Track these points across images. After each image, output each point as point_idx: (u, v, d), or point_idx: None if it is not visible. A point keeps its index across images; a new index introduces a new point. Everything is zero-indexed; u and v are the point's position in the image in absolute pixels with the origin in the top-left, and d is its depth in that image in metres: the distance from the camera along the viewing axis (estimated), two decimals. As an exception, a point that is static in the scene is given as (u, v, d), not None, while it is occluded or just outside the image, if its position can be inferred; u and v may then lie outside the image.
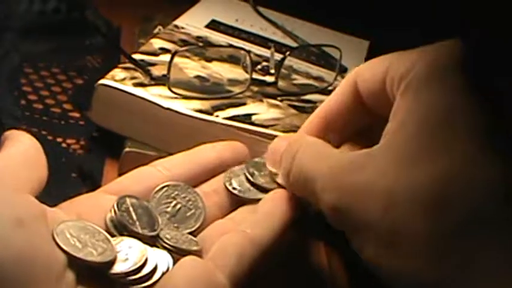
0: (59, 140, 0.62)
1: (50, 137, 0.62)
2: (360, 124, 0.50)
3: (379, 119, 0.46)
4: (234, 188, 0.50)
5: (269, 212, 0.47)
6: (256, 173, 0.51)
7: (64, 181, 0.56)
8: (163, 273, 0.41)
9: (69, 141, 0.62)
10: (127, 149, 0.58)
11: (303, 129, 0.52)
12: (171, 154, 0.54)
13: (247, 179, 0.51)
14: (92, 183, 0.56)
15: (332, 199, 0.42)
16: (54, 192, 0.45)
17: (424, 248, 0.37)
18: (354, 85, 0.48)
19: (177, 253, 0.43)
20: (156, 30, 0.75)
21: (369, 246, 0.40)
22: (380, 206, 0.39)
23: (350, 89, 0.49)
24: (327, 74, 0.72)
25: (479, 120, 0.39)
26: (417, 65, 0.42)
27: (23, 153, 0.43)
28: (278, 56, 0.68)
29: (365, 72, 0.48)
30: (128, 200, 0.45)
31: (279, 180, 0.49)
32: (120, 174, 0.56)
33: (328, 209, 0.42)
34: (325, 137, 0.50)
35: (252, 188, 0.50)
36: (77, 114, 0.65)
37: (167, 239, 0.44)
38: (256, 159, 0.53)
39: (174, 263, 0.42)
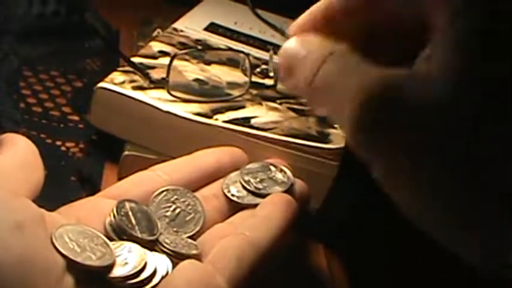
0: (58, 143, 0.62)
1: (49, 140, 0.62)
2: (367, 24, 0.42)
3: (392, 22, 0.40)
4: (232, 195, 0.50)
5: (268, 215, 0.47)
6: (252, 180, 0.51)
7: (63, 184, 0.56)
8: (162, 277, 0.41)
9: (68, 144, 0.62)
10: (126, 152, 0.57)
11: (301, 24, 0.45)
12: (170, 157, 0.54)
13: (243, 186, 0.51)
14: (91, 186, 0.56)
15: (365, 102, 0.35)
16: (53, 195, 0.45)
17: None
18: None
19: (176, 257, 0.43)
20: (155, 33, 0.75)
21: (400, 156, 0.34)
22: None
23: None
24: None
25: None
26: None
27: (19, 157, 0.43)
28: (277, 59, 0.68)
29: None
30: (127, 204, 0.45)
31: (288, 86, 0.43)
32: (119, 178, 0.56)
33: (354, 116, 0.36)
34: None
35: (249, 194, 0.50)
36: (76, 118, 0.65)
37: (166, 243, 0.44)
38: (250, 166, 0.53)
39: (173, 267, 0.42)
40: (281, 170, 0.53)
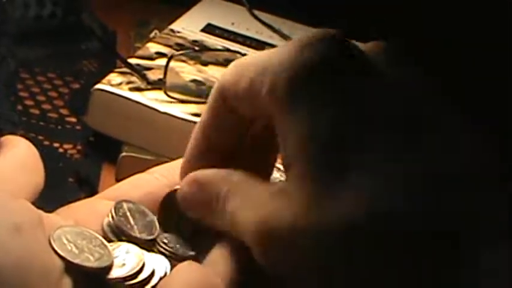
0: (56, 145, 0.62)
1: (46, 142, 0.62)
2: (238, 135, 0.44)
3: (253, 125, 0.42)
4: None
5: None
6: None
7: (61, 186, 0.56)
8: (160, 278, 0.41)
9: (66, 146, 0.62)
10: (124, 154, 0.58)
11: (187, 164, 0.46)
12: (168, 158, 0.54)
13: None
14: (89, 187, 0.57)
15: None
16: (51, 196, 0.45)
17: None
18: (221, 94, 0.42)
19: (175, 258, 0.43)
20: (152, 35, 0.75)
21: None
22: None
23: (218, 100, 0.42)
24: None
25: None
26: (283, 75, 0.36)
27: (19, 159, 0.43)
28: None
29: (229, 78, 0.41)
30: (125, 205, 0.45)
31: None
32: (117, 179, 0.57)
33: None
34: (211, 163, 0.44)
35: None
36: (73, 119, 0.65)
37: (164, 243, 0.44)
38: None
39: (172, 268, 0.42)
40: (278, 169, 0.53)
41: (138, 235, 0.43)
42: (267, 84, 0.36)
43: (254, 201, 0.39)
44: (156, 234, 0.44)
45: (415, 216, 0.33)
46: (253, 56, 0.40)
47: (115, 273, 0.40)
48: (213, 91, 0.42)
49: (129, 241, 0.43)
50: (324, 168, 0.34)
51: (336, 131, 0.34)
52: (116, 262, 0.40)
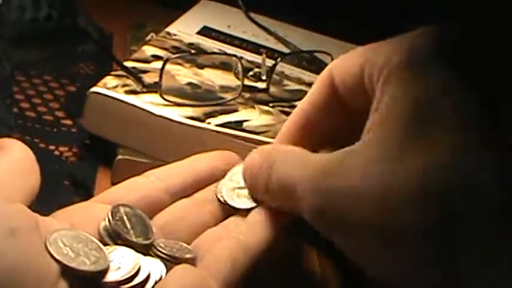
0: (52, 147, 0.62)
1: (42, 145, 0.62)
2: (339, 124, 0.49)
3: (358, 116, 0.44)
4: (225, 200, 0.50)
5: (261, 219, 0.47)
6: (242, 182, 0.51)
7: (57, 189, 0.56)
8: (156, 282, 0.41)
9: (61, 148, 0.62)
10: (119, 157, 0.58)
11: (280, 138, 0.51)
12: (163, 161, 0.54)
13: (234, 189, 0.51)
14: (85, 190, 0.57)
15: (314, 204, 0.41)
16: (46, 200, 0.45)
17: (422, 243, 0.36)
18: (330, 81, 0.47)
19: (171, 261, 0.43)
20: (148, 37, 0.75)
21: (361, 247, 0.39)
22: (371, 206, 0.38)
23: (326, 86, 0.48)
24: (319, 80, 0.72)
25: (461, 111, 0.38)
26: (395, 56, 0.41)
27: (15, 162, 0.43)
28: (270, 62, 0.68)
29: (341, 66, 0.47)
30: (122, 209, 0.45)
31: (259, 195, 0.48)
32: (112, 182, 0.57)
33: (311, 215, 0.41)
34: (304, 143, 0.48)
35: (241, 197, 0.50)
36: (69, 122, 0.65)
37: (161, 247, 0.44)
38: (238, 168, 0.52)
39: (167, 271, 0.42)
40: None
41: (134, 239, 0.43)
42: (378, 66, 0.42)
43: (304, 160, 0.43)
44: (152, 238, 0.44)
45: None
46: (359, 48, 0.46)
47: (111, 276, 0.40)
48: (322, 74, 0.48)
49: (125, 245, 0.43)
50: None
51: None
52: (112, 266, 0.41)
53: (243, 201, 0.50)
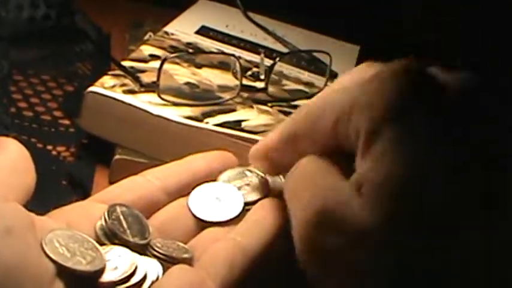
0: (49, 147, 0.61)
1: (39, 145, 0.61)
2: None
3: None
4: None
5: (259, 220, 0.47)
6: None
7: (54, 189, 0.56)
8: (153, 282, 0.41)
9: (59, 148, 0.61)
10: (117, 156, 0.57)
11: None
12: (161, 161, 0.53)
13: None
14: (82, 190, 0.56)
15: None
16: (44, 199, 0.45)
17: None
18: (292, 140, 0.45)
19: (168, 261, 0.43)
20: (146, 37, 0.75)
21: None
22: None
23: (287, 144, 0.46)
24: (317, 80, 0.72)
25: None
26: (386, 125, 0.37)
27: (10, 161, 0.42)
28: (268, 62, 0.68)
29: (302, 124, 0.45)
30: (118, 209, 0.45)
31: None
32: (110, 181, 0.56)
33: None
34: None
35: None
36: (67, 122, 0.65)
37: (158, 247, 0.43)
38: (228, 173, 0.51)
39: (164, 271, 0.42)
40: (257, 175, 0.52)
41: (131, 239, 0.43)
42: (360, 121, 0.38)
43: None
44: (149, 238, 0.44)
45: None
46: (324, 97, 0.43)
47: (107, 276, 0.40)
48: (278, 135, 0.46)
49: (121, 245, 0.43)
50: None
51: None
52: (108, 265, 0.40)
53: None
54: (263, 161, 0.48)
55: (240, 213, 0.47)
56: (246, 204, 0.48)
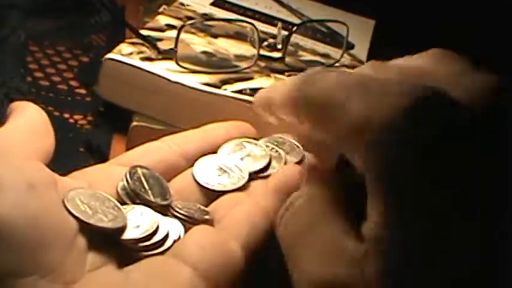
0: (66, 115, 0.61)
1: (56, 113, 0.61)
2: None
3: None
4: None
5: (281, 185, 0.47)
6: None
7: (72, 156, 0.56)
8: (174, 241, 0.41)
9: (76, 116, 0.61)
10: (134, 123, 0.57)
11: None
12: (178, 128, 0.53)
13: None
14: (100, 157, 0.56)
15: None
16: (62, 166, 0.45)
17: None
18: None
19: (189, 222, 0.43)
20: (160, 9, 0.74)
21: None
22: None
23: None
24: (334, 51, 0.72)
25: None
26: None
27: (29, 123, 0.43)
28: (285, 33, 0.68)
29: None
30: (139, 170, 0.45)
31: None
32: (127, 148, 0.56)
33: None
34: None
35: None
36: (83, 91, 0.65)
37: (179, 208, 0.43)
38: (226, 147, 0.50)
39: (186, 232, 0.42)
40: (256, 144, 0.51)
41: (152, 199, 0.43)
42: (368, 145, 0.32)
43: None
44: (170, 199, 0.44)
45: None
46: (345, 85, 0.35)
47: (129, 234, 0.40)
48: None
49: (143, 204, 0.42)
50: None
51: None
52: (130, 224, 0.40)
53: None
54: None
55: (246, 182, 0.47)
56: (251, 174, 0.48)
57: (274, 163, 0.49)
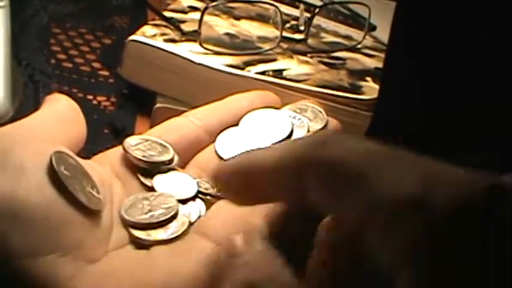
0: (90, 97, 0.62)
1: (80, 95, 0.62)
2: None
3: None
4: None
5: None
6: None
7: (96, 137, 0.56)
8: (199, 217, 0.41)
9: (99, 98, 0.62)
10: (158, 105, 0.58)
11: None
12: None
13: None
14: (124, 138, 0.56)
15: None
16: (87, 147, 0.46)
17: None
18: None
19: (212, 197, 0.43)
20: (183, -9, 0.74)
21: None
22: None
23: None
24: (356, 33, 0.71)
25: None
26: None
27: (58, 111, 0.44)
28: (307, 15, 0.67)
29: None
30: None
31: None
32: (151, 129, 0.57)
33: None
34: None
35: None
36: (106, 73, 0.65)
37: (202, 184, 0.44)
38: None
39: (207, 209, 0.42)
40: (278, 113, 0.51)
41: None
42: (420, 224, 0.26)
43: None
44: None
45: None
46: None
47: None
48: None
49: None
50: None
51: None
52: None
53: None
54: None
55: None
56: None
57: (297, 131, 0.50)
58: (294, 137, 0.49)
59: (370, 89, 0.59)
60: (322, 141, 0.31)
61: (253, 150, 0.34)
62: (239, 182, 0.34)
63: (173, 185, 0.43)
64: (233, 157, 0.35)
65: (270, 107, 0.51)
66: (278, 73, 0.59)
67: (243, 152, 0.34)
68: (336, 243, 0.32)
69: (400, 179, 0.27)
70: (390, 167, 0.28)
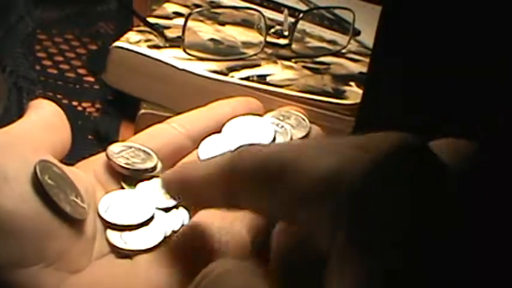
0: (74, 103, 0.62)
1: (65, 101, 0.62)
2: None
3: None
4: None
5: None
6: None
7: (80, 143, 0.57)
8: (182, 225, 0.41)
9: (84, 104, 0.62)
10: (142, 111, 0.58)
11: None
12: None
13: None
14: (108, 144, 0.57)
15: None
16: (71, 153, 0.46)
17: None
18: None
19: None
20: (168, -3, 0.75)
21: None
22: None
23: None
24: (340, 38, 0.72)
25: None
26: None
27: (43, 118, 0.44)
28: (291, 20, 0.68)
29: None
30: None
31: None
32: (136, 136, 0.57)
33: None
34: None
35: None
36: (91, 79, 0.66)
37: None
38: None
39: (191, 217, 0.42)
40: (260, 120, 0.51)
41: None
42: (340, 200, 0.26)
43: None
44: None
45: None
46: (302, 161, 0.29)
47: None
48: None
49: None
50: None
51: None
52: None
53: None
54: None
55: None
56: None
57: (279, 138, 0.50)
58: None
59: (353, 93, 0.59)
60: (245, 150, 0.31)
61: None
62: (179, 191, 0.36)
63: (156, 192, 0.43)
64: (175, 168, 0.37)
65: (253, 114, 0.52)
66: (262, 78, 0.59)
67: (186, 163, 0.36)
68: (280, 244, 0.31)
69: (316, 163, 0.27)
70: (306, 158, 0.28)
